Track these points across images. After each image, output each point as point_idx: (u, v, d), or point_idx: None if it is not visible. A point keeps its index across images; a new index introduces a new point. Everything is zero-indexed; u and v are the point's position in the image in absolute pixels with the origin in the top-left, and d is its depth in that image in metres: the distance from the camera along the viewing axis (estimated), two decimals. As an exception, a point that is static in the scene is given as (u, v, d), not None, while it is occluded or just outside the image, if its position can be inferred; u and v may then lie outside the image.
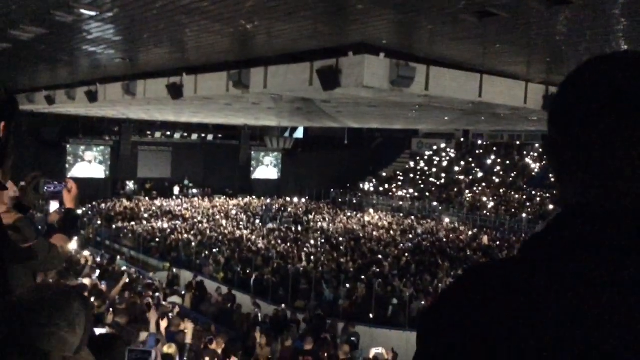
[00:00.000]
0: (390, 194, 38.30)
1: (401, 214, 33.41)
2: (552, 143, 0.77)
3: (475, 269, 0.79)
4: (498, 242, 24.69)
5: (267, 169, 42.11)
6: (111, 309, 7.22)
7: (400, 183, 40.01)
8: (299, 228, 26.84)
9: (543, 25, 9.57)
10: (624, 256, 0.66)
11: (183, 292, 13.88)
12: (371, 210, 34.28)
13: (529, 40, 10.57)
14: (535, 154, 38.24)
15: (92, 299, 7.27)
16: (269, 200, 36.48)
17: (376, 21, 9.73)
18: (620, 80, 0.70)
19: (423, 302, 14.86)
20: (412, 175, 41.04)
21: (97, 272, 11.67)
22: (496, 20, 9.04)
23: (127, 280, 10.81)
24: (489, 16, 8.81)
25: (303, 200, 37.73)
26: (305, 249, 20.67)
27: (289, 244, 21.81)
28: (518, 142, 40.05)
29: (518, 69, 13.08)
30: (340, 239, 23.58)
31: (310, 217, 30.53)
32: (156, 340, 5.92)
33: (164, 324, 6.33)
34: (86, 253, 14.21)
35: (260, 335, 8.97)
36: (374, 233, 25.66)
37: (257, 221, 28.67)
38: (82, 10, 9.56)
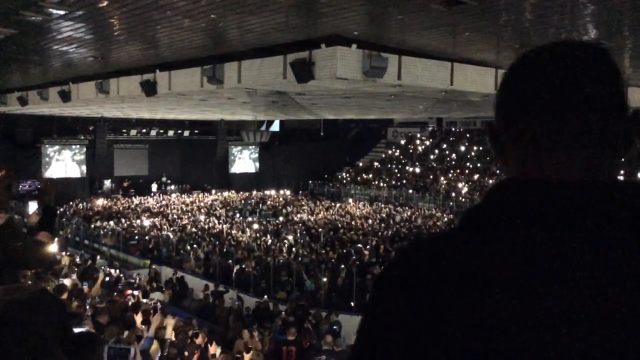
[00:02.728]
0: (368, 183, 38.58)
1: (379, 203, 33.69)
2: (497, 129, 0.88)
3: (417, 242, 0.84)
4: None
5: (244, 163, 42.04)
6: (88, 307, 7.21)
7: (377, 172, 40.31)
8: (279, 220, 26.96)
9: (511, 12, 9.73)
10: (559, 224, 0.73)
11: (163, 289, 13.90)
12: (350, 200, 34.51)
13: (497, 27, 10.73)
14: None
15: (73, 299, 7.24)
16: (247, 194, 36.49)
17: (347, 13, 9.81)
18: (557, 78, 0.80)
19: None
20: (389, 165, 41.36)
21: (77, 272, 11.60)
22: (465, 9, 9.17)
23: (107, 278, 10.77)
24: (458, 4, 8.95)
25: (282, 192, 37.80)
26: (285, 241, 20.79)
27: (269, 237, 21.92)
28: (491, 128, 40.49)
29: (488, 56, 13.26)
30: (320, 229, 23.74)
31: (290, 209, 30.64)
32: (150, 343, 5.93)
33: (139, 318, 6.32)
34: (64, 254, 14.08)
35: (249, 334, 8.97)
36: (353, 222, 25.87)
37: (237, 215, 28.70)
38: (51, 10, 9.49)
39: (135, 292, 9.90)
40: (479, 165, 37.32)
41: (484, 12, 9.64)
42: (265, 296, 13.99)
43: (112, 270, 15.13)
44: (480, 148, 39.45)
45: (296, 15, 10.14)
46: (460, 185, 34.47)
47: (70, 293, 7.65)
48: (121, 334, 5.78)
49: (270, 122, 40.31)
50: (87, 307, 7.18)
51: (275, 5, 9.29)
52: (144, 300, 9.65)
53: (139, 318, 6.38)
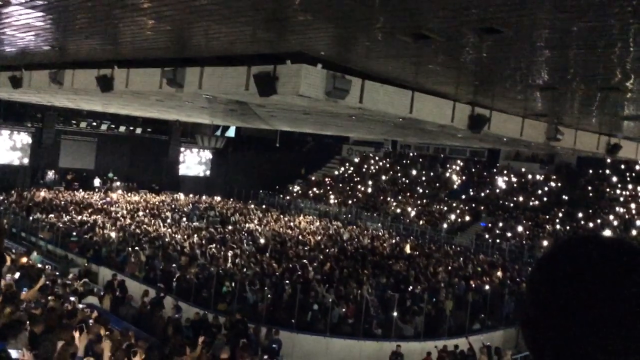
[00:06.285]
0: (318, 198, 38.66)
1: (328, 219, 33.76)
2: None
3: None
4: (418, 251, 25.45)
5: (196, 167, 41.49)
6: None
7: (328, 188, 40.47)
8: (227, 228, 26.61)
9: (473, 51, 10.00)
10: None
11: (102, 293, 13.43)
12: (301, 215, 34.44)
13: (459, 63, 11.01)
14: (457, 168, 39.77)
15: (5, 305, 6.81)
16: (197, 198, 35.95)
17: (316, 33, 9.86)
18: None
19: (344, 309, 15.12)
20: (340, 183, 41.59)
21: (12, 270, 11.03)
22: (430, 43, 9.38)
23: (46, 282, 10.25)
24: (424, 38, 9.13)
25: (231, 200, 37.41)
26: (230, 251, 20.52)
27: (215, 245, 21.59)
28: (442, 155, 41.46)
29: (447, 89, 13.56)
30: (267, 241, 23.53)
31: (238, 217, 30.30)
32: None
33: (82, 338, 5.98)
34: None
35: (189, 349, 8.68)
36: (300, 237, 25.80)
37: (184, 219, 28.17)
38: (11, -4, 9.15)
39: (72, 298, 9.50)
40: (427, 191, 37.93)
41: (448, 48, 9.89)
42: (205, 311, 13.65)
43: (47, 267, 14.56)
44: (431, 174, 40.18)
45: (265, 29, 10.12)
46: (409, 209, 34.94)
47: (3, 296, 7.17)
48: (54, 348, 5.47)
49: (226, 128, 39.95)
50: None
51: (244, 17, 9.25)
52: (80, 306, 9.27)
53: (77, 334, 6.02)
